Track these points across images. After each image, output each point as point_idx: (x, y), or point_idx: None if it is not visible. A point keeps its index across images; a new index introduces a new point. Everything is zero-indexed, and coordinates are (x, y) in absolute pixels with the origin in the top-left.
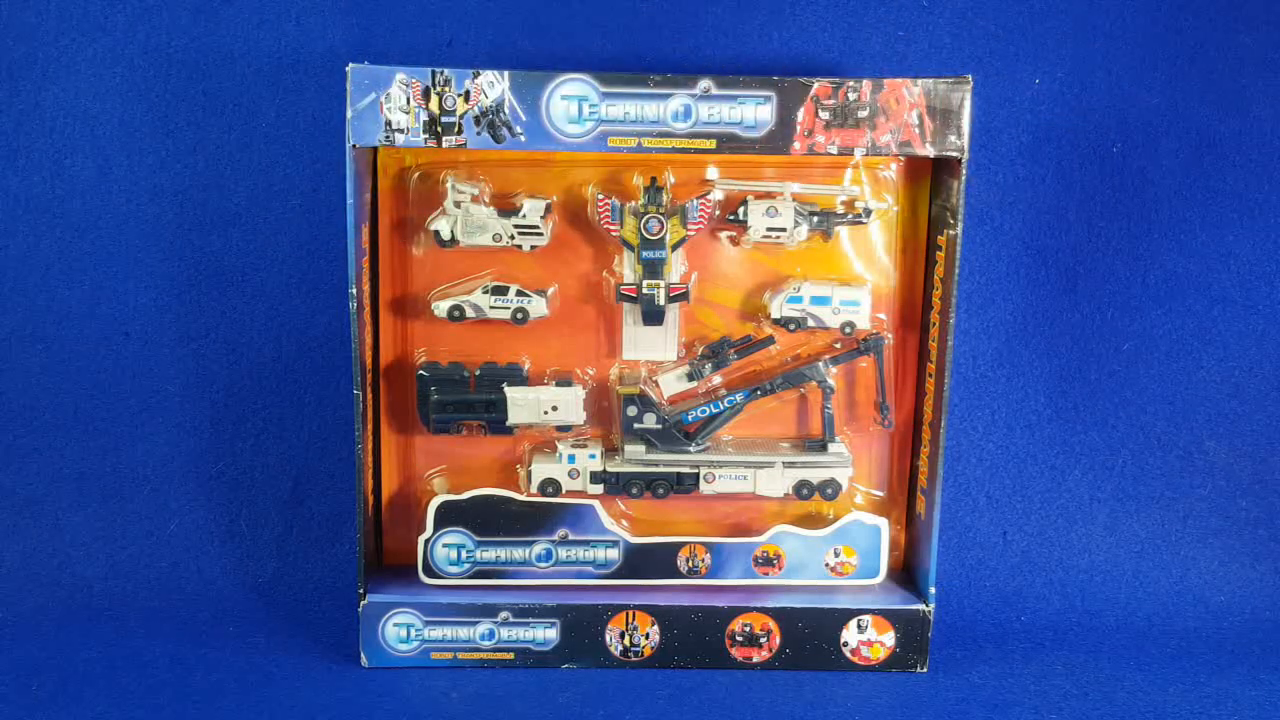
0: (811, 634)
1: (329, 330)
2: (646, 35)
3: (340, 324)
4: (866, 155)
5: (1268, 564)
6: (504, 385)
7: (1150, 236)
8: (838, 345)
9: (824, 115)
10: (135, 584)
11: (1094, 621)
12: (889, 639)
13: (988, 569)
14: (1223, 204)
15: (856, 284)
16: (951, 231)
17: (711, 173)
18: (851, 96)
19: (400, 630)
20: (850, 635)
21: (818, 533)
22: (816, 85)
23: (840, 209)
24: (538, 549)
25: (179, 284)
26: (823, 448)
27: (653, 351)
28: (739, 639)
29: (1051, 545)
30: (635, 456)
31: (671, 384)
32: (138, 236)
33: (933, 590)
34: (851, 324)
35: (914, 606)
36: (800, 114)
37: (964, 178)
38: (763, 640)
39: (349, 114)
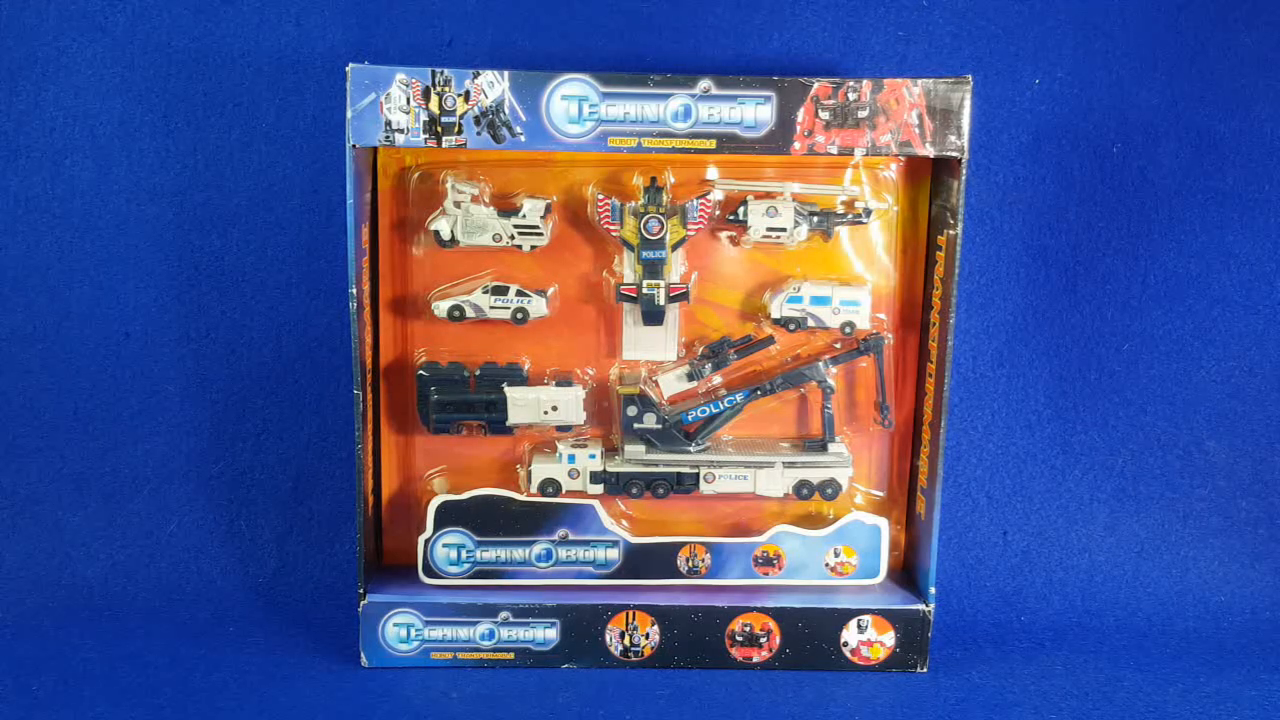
0: (811, 634)
1: (329, 330)
2: (646, 35)
3: (340, 324)
4: (866, 155)
5: (1268, 564)
6: (504, 385)
7: (1150, 236)
8: (838, 345)
9: (824, 115)
10: (135, 584)
11: (1094, 621)
12: (889, 639)
13: (988, 569)
14: (1223, 204)
15: (856, 284)
16: (951, 231)
17: (711, 173)
18: (851, 96)
19: (400, 630)
20: (850, 635)
21: (818, 533)
22: (816, 85)
23: (840, 209)
24: (538, 549)
25: (179, 284)
26: (823, 448)
27: (653, 351)
28: (739, 639)
29: (1051, 545)
30: (635, 456)
31: (671, 384)
32: (138, 236)
33: (933, 590)
34: (851, 324)
35: (914, 606)
36: (800, 114)
37: (964, 178)
38: (763, 640)
39: (349, 114)
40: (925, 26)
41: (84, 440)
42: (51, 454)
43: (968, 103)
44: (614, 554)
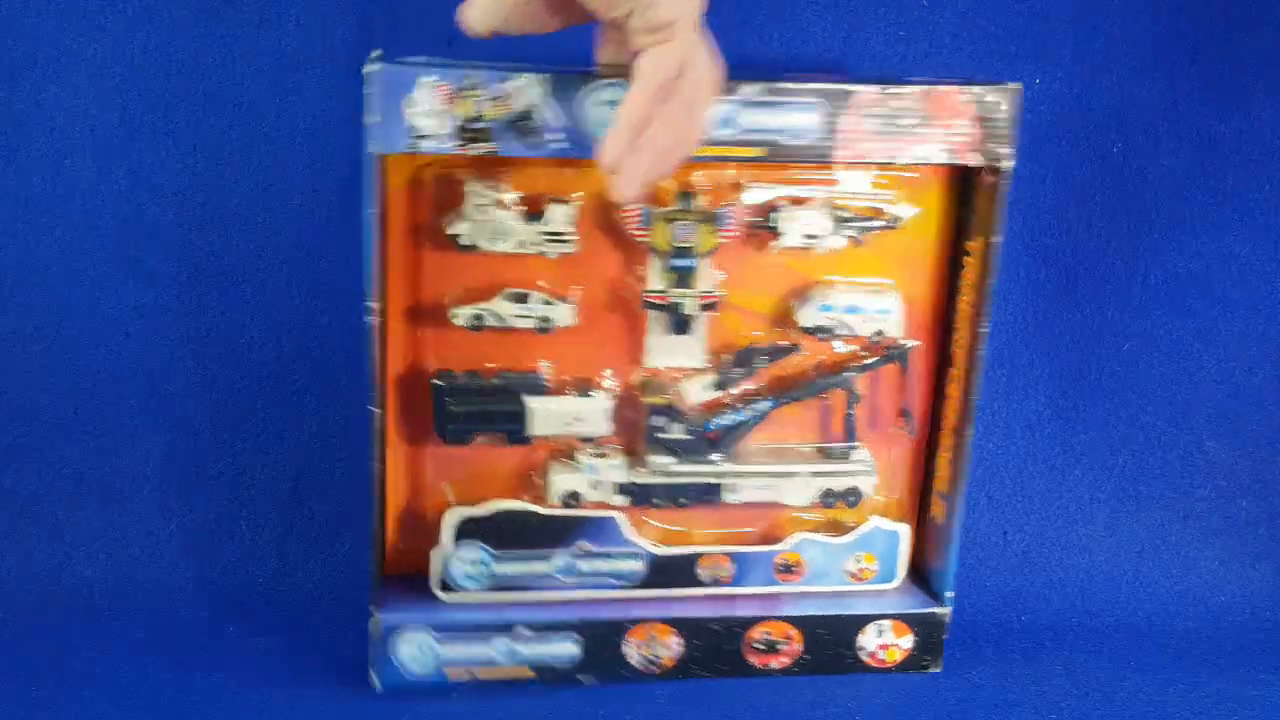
0: (831, 640)
1: (329, 330)
2: None
3: (340, 324)
4: (910, 162)
5: (1268, 564)
6: (525, 396)
7: (1150, 236)
8: (864, 352)
9: (869, 124)
10: (135, 584)
11: (1094, 621)
12: (906, 642)
13: (988, 569)
14: (1223, 204)
15: (886, 291)
16: (983, 238)
17: (744, 178)
18: (897, 104)
19: (414, 648)
20: (868, 640)
21: (838, 540)
22: (862, 92)
23: (871, 215)
24: (559, 562)
25: (179, 284)
26: (846, 455)
27: (679, 359)
28: (759, 647)
29: (1051, 545)
30: (659, 466)
31: (697, 392)
32: (138, 236)
33: (950, 594)
34: (881, 331)
35: (931, 610)
36: (844, 121)
37: (1003, 186)
38: (782, 647)
39: (367, 119)
40: (925, 26)
41: (84, 440)
42: (51, 454)
43: (1016, 111)
44: (637, 565)
